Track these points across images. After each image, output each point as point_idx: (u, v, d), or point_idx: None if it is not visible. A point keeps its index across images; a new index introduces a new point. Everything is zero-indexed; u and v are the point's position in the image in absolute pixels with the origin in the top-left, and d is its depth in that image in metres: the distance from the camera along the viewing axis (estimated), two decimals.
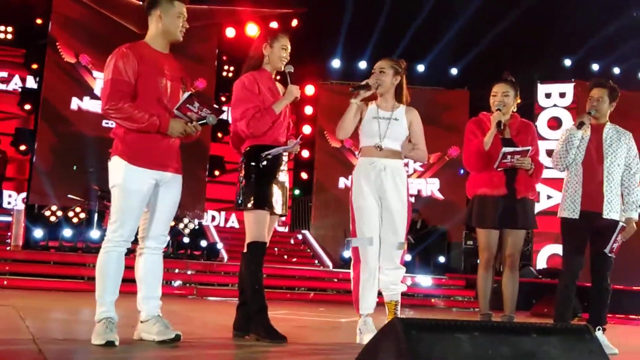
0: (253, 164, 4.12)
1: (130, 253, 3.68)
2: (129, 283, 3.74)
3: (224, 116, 16.28)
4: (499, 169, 4.65)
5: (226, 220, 16.84)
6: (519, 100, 4.94)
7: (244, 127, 4.07)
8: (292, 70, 4.25)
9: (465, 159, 4.88)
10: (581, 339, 1.96)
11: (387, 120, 4.34)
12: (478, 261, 4.97)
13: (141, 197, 3.57)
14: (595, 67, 16.29)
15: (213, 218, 16.61)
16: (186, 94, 3.53)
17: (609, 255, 4.69)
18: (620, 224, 4.73)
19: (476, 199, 4.81)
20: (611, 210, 4.76)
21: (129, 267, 3.71)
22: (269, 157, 4.10)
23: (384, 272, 4.31)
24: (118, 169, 3.57)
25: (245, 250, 4.12)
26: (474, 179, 4.87)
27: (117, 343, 3.34)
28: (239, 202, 4.12)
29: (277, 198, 4.16)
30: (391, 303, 4.33)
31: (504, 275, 4.79)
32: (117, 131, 3.62)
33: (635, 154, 4.90)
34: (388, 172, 4.29)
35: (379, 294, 4.34)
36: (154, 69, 3.62)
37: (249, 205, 4.06)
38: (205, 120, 3.58)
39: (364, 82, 4.39)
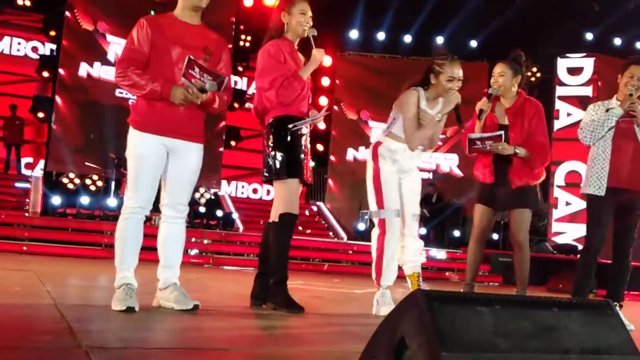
0: (282, 133, 4.09)
1: (147, 221, 3.70)
2: (151, 251, 3.78)
3: (241, 86, 16.33)
4: (472, 154, 4.76)
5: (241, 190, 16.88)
6: (522, 77, 4.81)
7: (273, 96, 4.03)
8: (316, 34, 4.17)
9: (463, 142, 4.88)
10: (602, 314, 1.95)
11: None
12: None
13: (152, 163, 3.59)
14: (617, 41, 16.03)
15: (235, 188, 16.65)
16: (186, 59, 3.49)
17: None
18: None
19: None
20: None
21: (152, 236, 3.74)
22: (296, 129, 4.08)
23: (407, 245, 4.37)
24: (130, 137, 3.64)
25: (276, 220, 4.11)
26: (476, 159, 4.96)
27: (136, 309, 3.38)
28: (270, 172, 4.09)
29: (305, 166, 4.17)
30: (414, 275, 4.36)
31: (514, 252, 4.83)
32: (133, 102, 3.69)
33: None
34: (411, 158, 4.39)
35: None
36: (170, 38, 3.61)
37: (283, 175, 4.06)
38: (205, 86, 3.55)
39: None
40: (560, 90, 15.20)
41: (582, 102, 14.08)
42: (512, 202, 4.76)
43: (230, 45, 15.04)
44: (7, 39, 15.64)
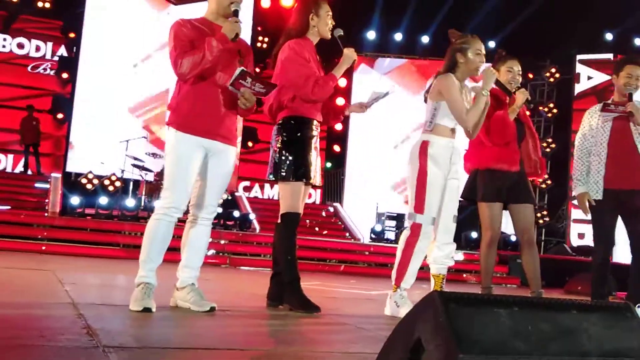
0: (294, 135, 4.10)
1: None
2: (171, 252, 3.80)
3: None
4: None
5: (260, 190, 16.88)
6: (529, 74, 4.95)
7: (307, 94, 4.00)
8: (342, 34, 4.17)
9: (492, 130, 4.70)
10: (622, 317, 1.93)
11: None
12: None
13: (190, 164, 3.60)
14: (638, 41, 15.87)
15: (252, 189, 16.71)
16: (238, 70, 3.52)
17: None
18: None
19: (486, 174, 4.76)
20: None
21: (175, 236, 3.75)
22: (312, 121, 4.13)
23: (438, 246, 4.27)
24: (169, 137, 3.65)
25: (279, 221, 4.13)
26: (485, 152, 4.79)
27: (153, 310, 3.40)
28: (276, 172, 4.10)
29: (314, 168, 4.16)
30: (439, 276, 4.30)
31: (522, 252, 4.76)
32: (171, 103, 3.71)
33: None
34: (456, 152, 4.27)
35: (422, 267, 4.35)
36: (208, 33, 3.64)
37: (287, 176, 4.06)
38: (258, 89, 3.61)
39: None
40: (578, 87, 15.13)
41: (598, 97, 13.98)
42: (525, 196, 4.69)
43: None
44: (26, 45, 15.85)
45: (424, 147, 4.16)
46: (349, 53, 4.11)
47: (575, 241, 14.47)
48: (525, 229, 4.70)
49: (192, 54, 3.53)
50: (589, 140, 4.81)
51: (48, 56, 16.03)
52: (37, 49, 16.09)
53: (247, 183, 17.15)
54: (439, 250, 4.28)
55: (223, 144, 3.71)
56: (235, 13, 3.64)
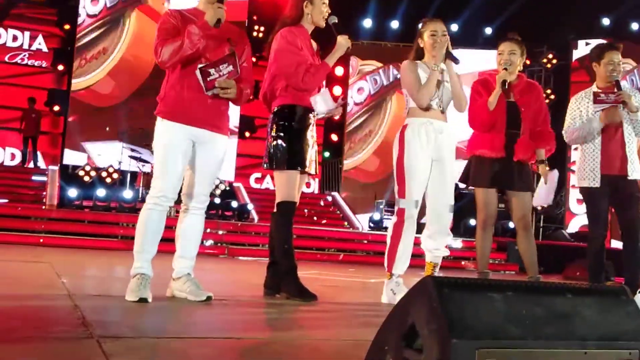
0: (287, 123, 4.08)
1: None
2: (167, 242, 3.78)
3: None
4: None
5: (261, 179, 16.84)
6: (526, 61, 4.82)
7: (297, 82, 3.99)
8: (337, 21, 4.14)
9: (469, 119, 4.70)
10: (617, 301, 1.92)
11: (442, 82, 4.27)
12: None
13: (177, 152, 3.58)
14: (634, 26, 15.82)
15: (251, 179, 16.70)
16: (197, 73, 3.51)
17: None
18: None
19: (474, 159, 4.74)
20: (634, 170, 4.75)
21: (169, 227, 3.74)
22: (306, 110, 4.06)
23: (430, 235, 4.29)
24: (158, 127, 3.64)
25: (274, 210, 4.12)
26: (474, 139, 4.77)
27: (149, 300, 3.39)
28: (271, 161, 4.09)
29: (309, 157, 4.14)
30: (430, 264, 4.33)
31: (518, 238, 4.73)
32: (160, 93, 3.69)
33: None
34: (445, 135, 4.26)
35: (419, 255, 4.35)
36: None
37: (282, 165, 4.05)
38: (227, 70, 3.55)
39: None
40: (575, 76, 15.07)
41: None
42: (517, 183, 4.66)
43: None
44: (21, 32, 15.74)
45: (402, 131, 4.28)
46: (342, 41, 4.08)
47: (573, 227, 14.48)
48: (521, 216, 4.66)
49: (172, 41, 3.51)
50: (576, 126, 4.82)
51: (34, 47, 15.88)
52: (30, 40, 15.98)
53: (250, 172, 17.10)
54: (431, 240, 4.30)
55: (211, 132, 3.68)
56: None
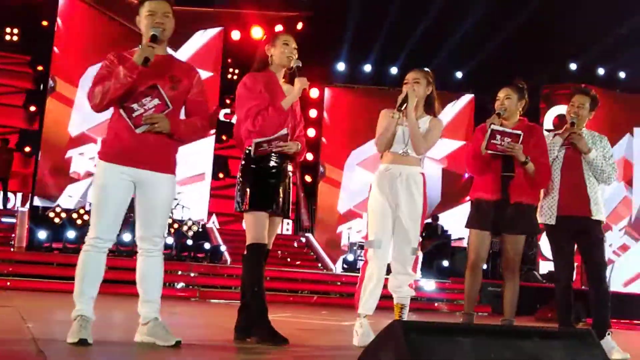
0: (252, 165, 4.09)
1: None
2: (132, 285, 3.73)
3: (230, 118, 16.37)
4: (488, 151, 4.58)
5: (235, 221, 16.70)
6: (525, 103, 4.88)
7: (249, 126, 4.03)
8: (300, 65, 4.17)
9: (465, 162, 4.87)
10: (584, 344, 1.94)
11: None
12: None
13: (114, 194, 3.52)
14: (601, 71, 16.27)
15: (222, 220, 16.60)
16: (121, 112, 3.49)
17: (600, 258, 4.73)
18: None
19: (472, 202, 4.86)
20: (598, 211, 4.79)
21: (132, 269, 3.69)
22: (262, 148, 4.02)
23: (394, 275, 4.36)
24: (97, 169, 3.60)
25: (245, 252, 4.10)
26: (474, 182, 4.90)
27: (90, 341, 3.32)
28: (239, 203, 4.10)
29: (279, 199, 4.14)
30: (397, 305, 4.36)
31: (505, 280, 4.77)
32: (104, 137, 3.66)
33: (610, 155, 4.90)
34: (403, 179, 4.32)
35: (389, 297, 4.35)
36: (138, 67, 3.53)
37: (247, 206, 4.05)
38: (152, 104, 3.50)
39: (402, 97, 4.37)
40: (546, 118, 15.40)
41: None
42: (511, 225, 4.68)
43: (218, 78, 15.24)
44: None
45: (375, 175, 4.44)
46: (298, 82, 4.13)
47: (545, 268, 14.56)
48: (510, 259, 4.70)
49: (101, 84, 3.50)
50: None
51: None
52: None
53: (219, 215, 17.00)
54: (394, 279, 4.36)
55: (153, 173, 3.60)
56: (153, 38, 3.57)
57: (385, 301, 4.39)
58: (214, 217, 16.41)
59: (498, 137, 4.50)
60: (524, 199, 4.66)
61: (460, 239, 13.80)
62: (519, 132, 4.53)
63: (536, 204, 4.85)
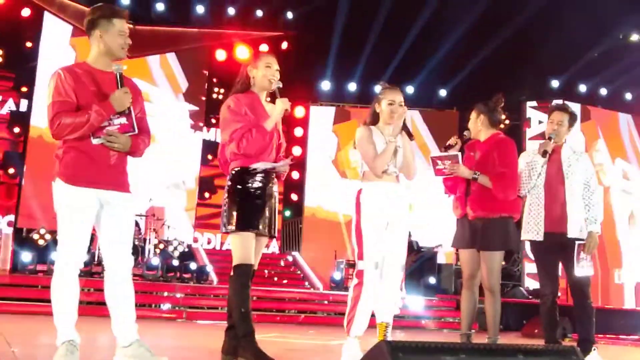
0: (238, 186, 4.10)
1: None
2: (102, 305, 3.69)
3: (214, 138, 16.39)
4: (438, 176, 4.82)
5: (222, 244, 16.65)
6: (499, 119, 5.00)
7: (234, 148, 4.06)
8: (280, 86, 4.19)
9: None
10: None
11: (399, 149, 4.38)
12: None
13: (82, 217, 3.49)
14: (582, 88, 16.47)
15: (209, 240, 16.54)
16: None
17: (580, 275, 4.74)
18: (577, 242, 4.77)
19: (457, 221, 5.05)
20: (573, 230, 4.82)
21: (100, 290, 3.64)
22: (257, 172, 4.08)
23: (381, 292, 4.29)
24: (58, 190, 3.53)
25: (231, 273, 4.10)
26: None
27: None
28: (225, 224, 4.10)
29: (265, 219, 4.15)
30: (382, 324, 4.31)
31: (485, 299, 4.81)
32: (57, 152, 3.58)
33: (592, 172, 4.99)
34: (398, 197, 4.34)
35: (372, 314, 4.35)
36: (90, 86, 3.57)
37: (233, 227, 4.05)
38: (119, 122, 3.54)
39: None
40: (530, 132, 15.55)
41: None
42: (482, 242, 4.74)
43: (203, 98, 15.27)
44: None
45: (358, 195, 4.35)
46: (280, 103, 4.16)
47: (531, 284, 14.61)
48: (485, 276, 4.75)
49: (74, 116, 3.45)
50: (523, 180, 4.93)
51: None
52: None
53: (209, 235, 16.93)
54: (381, 297, 4.30)
55: (117, 193, 3.60)
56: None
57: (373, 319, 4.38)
58: (200, 237, 16.35)
59: (439, 162, 4.70)
60: (488, 213, 4.73)
61: (438, 245, 13.83)
62: (455, 153, 4.73)
63: (511, 215, 4.85)
